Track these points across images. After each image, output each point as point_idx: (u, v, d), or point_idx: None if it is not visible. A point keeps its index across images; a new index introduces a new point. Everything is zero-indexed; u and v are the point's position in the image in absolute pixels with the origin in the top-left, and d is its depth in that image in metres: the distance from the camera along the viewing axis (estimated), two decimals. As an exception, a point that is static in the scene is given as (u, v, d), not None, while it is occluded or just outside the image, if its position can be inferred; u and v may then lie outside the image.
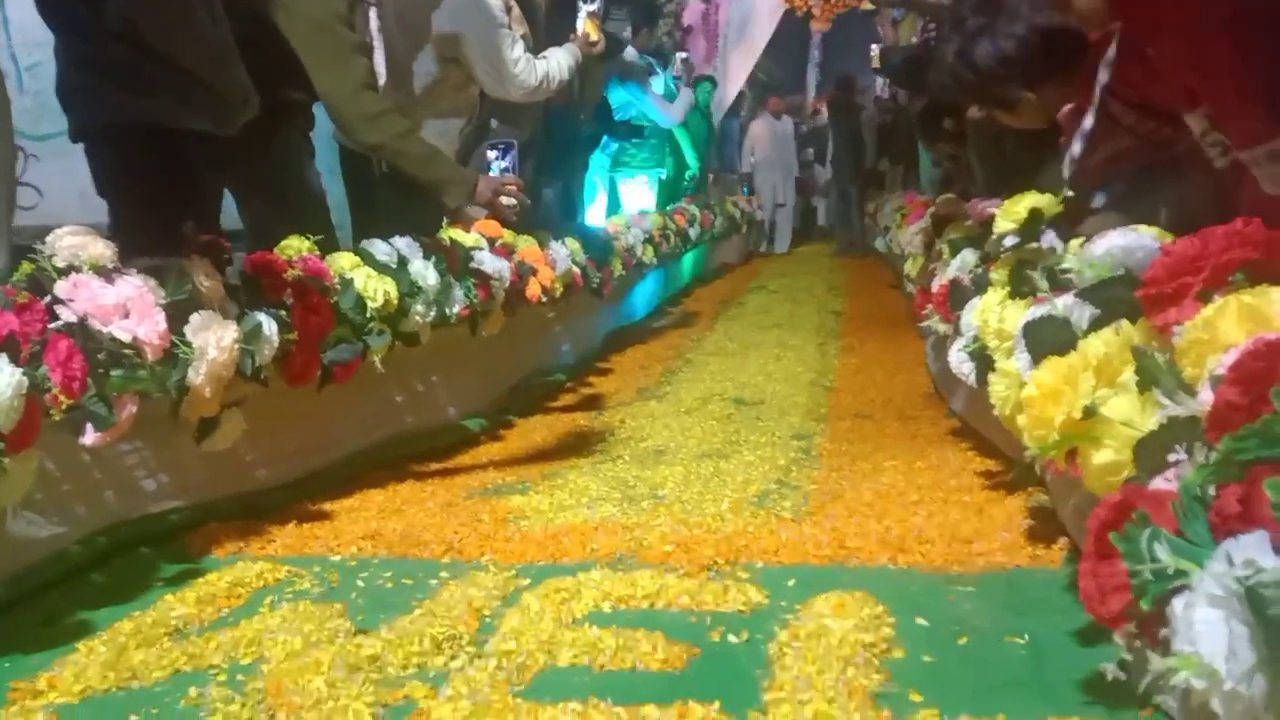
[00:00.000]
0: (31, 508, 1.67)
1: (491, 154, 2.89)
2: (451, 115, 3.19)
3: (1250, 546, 0.68)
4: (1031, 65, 1.95)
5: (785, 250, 11.06)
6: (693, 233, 6.69)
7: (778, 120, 11.18)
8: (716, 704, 1.21)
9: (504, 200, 2.88)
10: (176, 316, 1.75)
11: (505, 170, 2.86)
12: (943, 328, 2.29)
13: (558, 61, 3.22)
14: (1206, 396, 0.93)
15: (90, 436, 1.61)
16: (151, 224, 1.91)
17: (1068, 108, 2.13)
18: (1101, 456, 1.08)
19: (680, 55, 8.14)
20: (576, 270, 3.81)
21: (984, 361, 1.78)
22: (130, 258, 1.77)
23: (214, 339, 1.74)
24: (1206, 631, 0.66)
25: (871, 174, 9.30)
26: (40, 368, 1.51)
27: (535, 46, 3.31)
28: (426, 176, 2.85)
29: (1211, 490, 0.80)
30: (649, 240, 5.26)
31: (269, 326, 1.96)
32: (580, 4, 3.54)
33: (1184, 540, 0.78)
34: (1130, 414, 1.07)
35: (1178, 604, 0.71)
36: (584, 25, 3.37)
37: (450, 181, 2.86)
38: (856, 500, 2.09)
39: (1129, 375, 1.08)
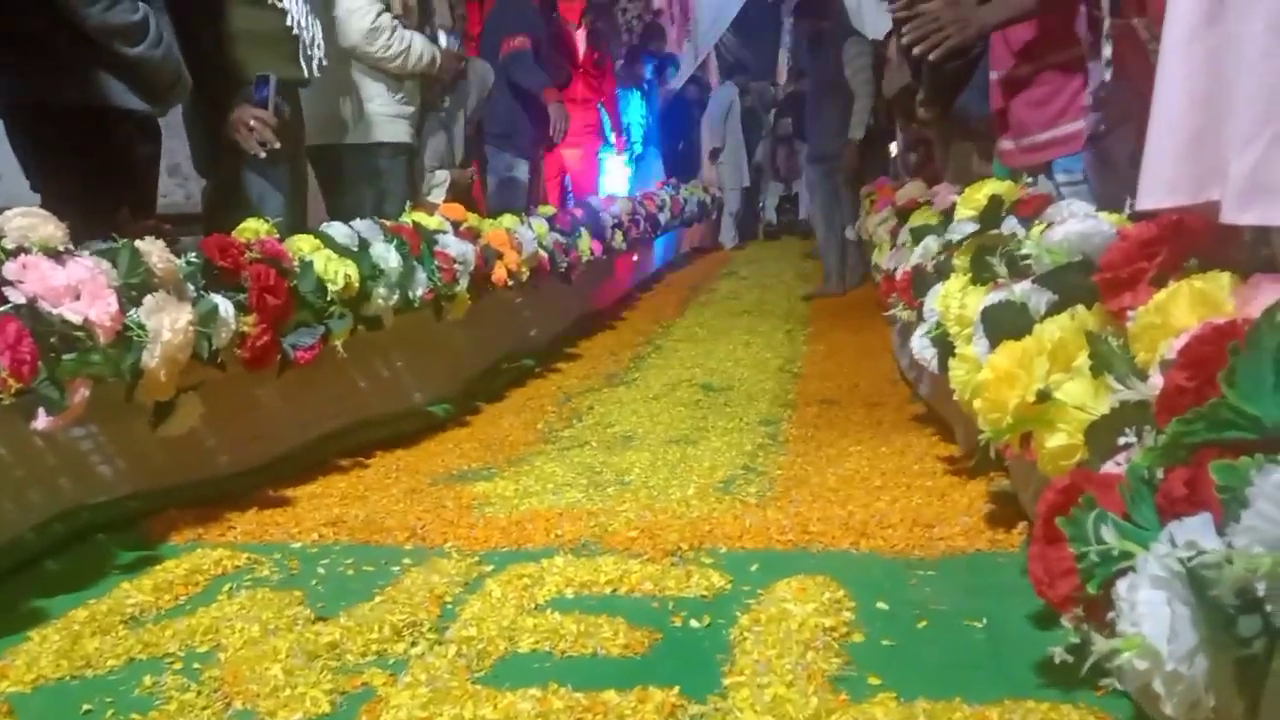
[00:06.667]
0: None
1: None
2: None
3: (1193, 529, 0.68)
4: None
5: (735, 244, 9.60)
6: (663, 218, 6.68)
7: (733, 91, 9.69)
8: (676, 689, 1.21)
9: (255, 138, 2.69)
10: (130, 299, 1.72)
11: (261, 103, 2.75)
12: (906, 314, 2.30)
13: (418, 44, 3.24)
14: (1157, 381, 0.94)
15: (43, 421, 1.58)
16: (81, 211, 1.79)
17: None
18: (1055, 440, 1.09)
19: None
20: (544, 254, 3.79)
21: (945, 347, 1.79)
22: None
23: (168, 321, 1.71)
24: (1149, 612, 0.67)
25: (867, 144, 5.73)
26: (-11, 352, 1.48)
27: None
28: (152, 71, 2.35)
29: (1159, 473, 0.81)
30: (618, 225, 5.24)
31: (225, 309, 1.93)
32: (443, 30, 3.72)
33: (1131, 523, 0.79)
34: (1084, 398, 1.07)
35: (1122, 585, 0.72)
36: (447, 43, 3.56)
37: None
38: (821, 485, 2.10)
39: (1083, 360, 1.09)
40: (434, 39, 3.46)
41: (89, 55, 2.15)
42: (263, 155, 2.70)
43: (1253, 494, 0.67)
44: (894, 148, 5.88)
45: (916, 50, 2.30)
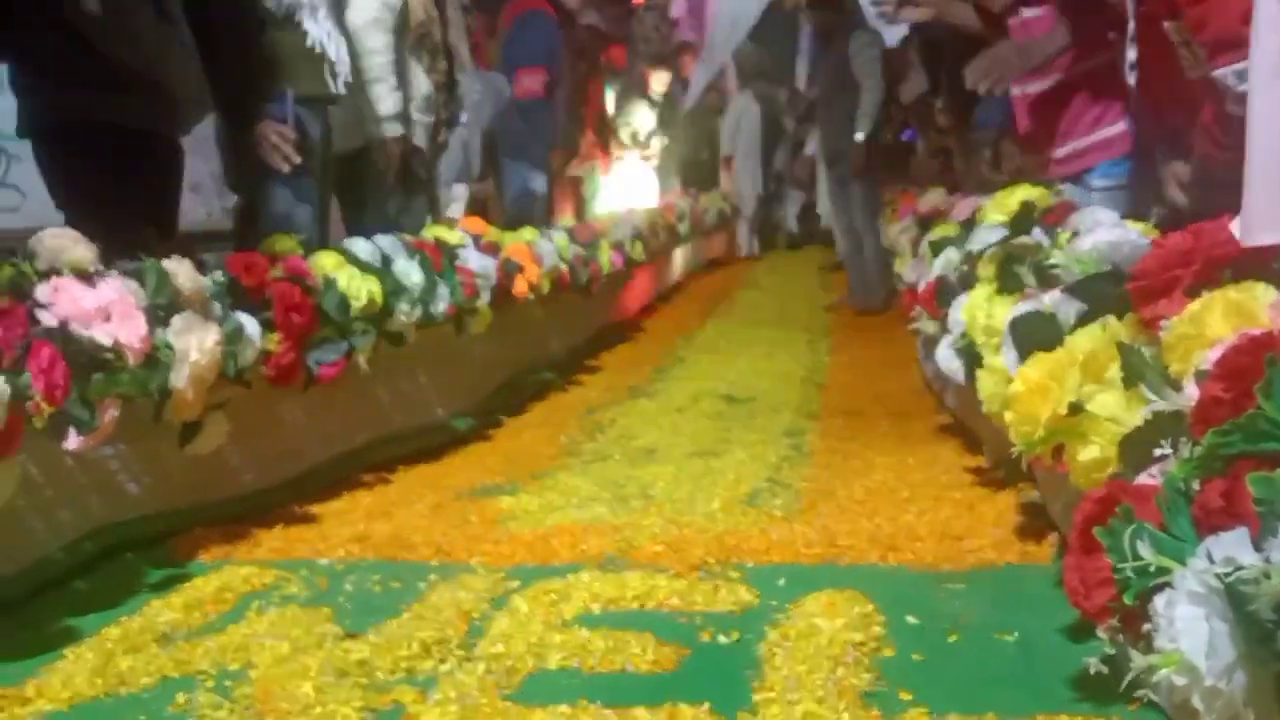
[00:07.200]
0: (14, 514, 1.65)
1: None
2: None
3: (1230, 544, 0.68)
4: None
5: (755, 253, 9.47)
6: (682, 228, 6.68)
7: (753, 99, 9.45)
8: (706, 705, 1.21)
9: (276, 155, 2.66)
10: (158, 319, 1.74)
11: (282, 119, 2.75)
12: (931, 327, 2.29)
13: (395, 92, 3.21)
14: (1192, 392, 0.93)
15: (73, 441, 1.59)
16: (106, 231, 1.82)
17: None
18: (1088, 453, 1.08)
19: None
20: (564, 267, 3.80)
21: (972, 358, 1.78)
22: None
23: (196, 341, 1.73)
24: (1187, 628, 0.66)
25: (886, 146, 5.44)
26: (23, 374, 1.49)
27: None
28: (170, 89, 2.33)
29: (1195, 485, 0.80)
30: (638, 236, 5.25)
31: (251, 328, 1.94)
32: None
33: (1168, 535, 0.78)
34: (1116, 410, 1.07)
35: (1159, 601, 0.71)
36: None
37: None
38: (848, 498, 2.09)
39: (1115, 371, 1.08)
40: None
41: (111, 75, 2.18)
42: (285, 169, 2.72)
43: (1292, 508, 0.66)
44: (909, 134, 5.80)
45: (982, 89, 2.37)
